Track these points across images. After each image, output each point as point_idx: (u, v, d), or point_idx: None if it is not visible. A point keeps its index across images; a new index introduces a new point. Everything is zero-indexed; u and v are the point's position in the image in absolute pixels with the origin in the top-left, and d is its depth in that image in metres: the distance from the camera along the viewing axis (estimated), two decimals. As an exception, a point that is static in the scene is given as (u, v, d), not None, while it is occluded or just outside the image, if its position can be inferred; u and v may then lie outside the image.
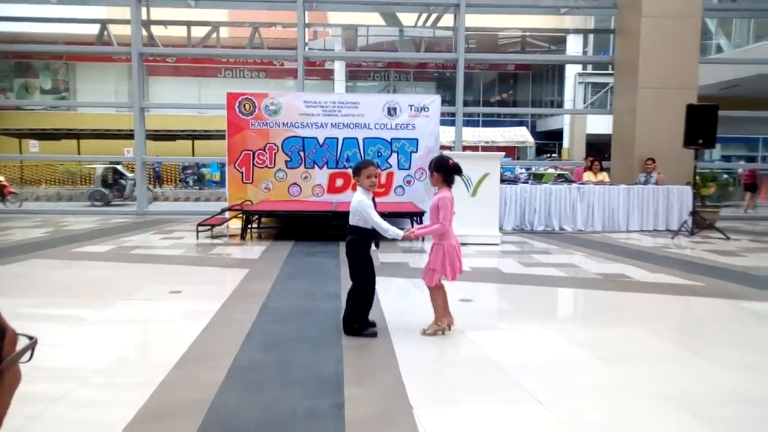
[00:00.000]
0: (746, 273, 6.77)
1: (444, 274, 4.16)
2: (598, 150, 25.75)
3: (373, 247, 4.27)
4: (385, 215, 4.44)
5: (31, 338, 0.87)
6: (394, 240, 4.25)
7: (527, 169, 23.29)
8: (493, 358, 3.76)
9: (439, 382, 3.47)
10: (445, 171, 4.17)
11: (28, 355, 0.86)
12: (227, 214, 9.83)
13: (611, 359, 3.78)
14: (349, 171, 10.55)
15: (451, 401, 3.17)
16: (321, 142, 10.46)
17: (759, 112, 17.17)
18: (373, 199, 4.19)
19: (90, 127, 26.31)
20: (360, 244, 4.18)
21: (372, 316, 4.39)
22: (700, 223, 10.22)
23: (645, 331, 4.47)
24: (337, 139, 10.48)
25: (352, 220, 4.15)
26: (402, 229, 4.22)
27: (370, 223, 4.08)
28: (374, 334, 4.15)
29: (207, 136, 25.86)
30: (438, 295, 4.24)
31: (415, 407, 2.99)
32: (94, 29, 15.21)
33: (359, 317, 4.22)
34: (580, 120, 30.54)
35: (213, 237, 9.33)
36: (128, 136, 22.82)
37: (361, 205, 4.07)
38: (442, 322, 4.22)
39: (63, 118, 28.91)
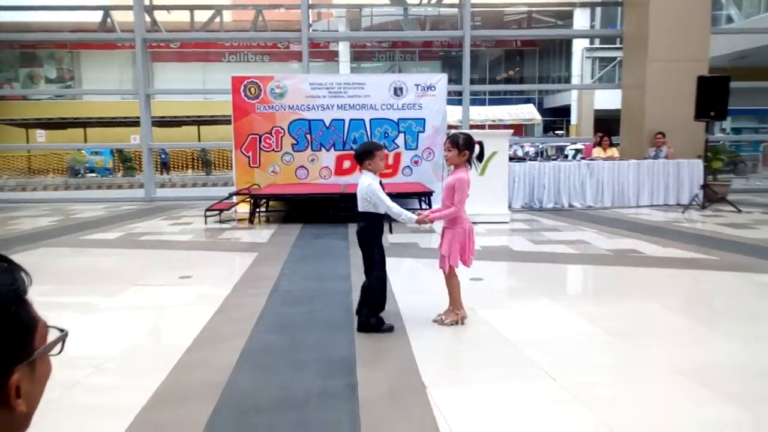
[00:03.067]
0: (759, 246, 6.69)
1: (454, 260, 3.94)
2: (606, 125, 25.51)
3: (386, 232, 4.08)
4: (394, 196, 4.22)
5: (61, 330, 0.87)
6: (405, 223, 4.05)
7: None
8: (505, 336, 3.75)
9: (452, 361, 3.46)
10: (472, 150, 3.93)
11: (58, 347, 0.86)
12: (235, 199, 9.82)
13: (625, 335, 3.76)
14: (357, 152, 10.47)
15: (464, 380, 3.16)
16: (327, 124, 10.38)
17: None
18: (381, 183, 3.93)
19: (96, 116, 26.33)
20: (374, 231, 3.95)
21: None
22: (711, 196, 10.12)
23: (658, 305, 4.44)
24: (343, 120, 10.40)
25: (362, 207, 3.91)
26: (413, 211, 4.02)
27: (382, 208, 3.85)
28: (391, 329, 3.87)
29: (213, 121, 25.82)
30: (452, 282, 4.02)
31: (428, 386, 2.98)
32: (97, 16, 15.15)
33: (376, 311, 3.92)
34: (587, 96, 30.20)
35: (221, 222, 9.33)
36: (134, 123, 22.84)
37: (370, 190, 3.82)
38: (459, 311, 4.00)
39: (69, 107, 28.92)
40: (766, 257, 6.01)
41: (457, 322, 3.98)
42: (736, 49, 18.14)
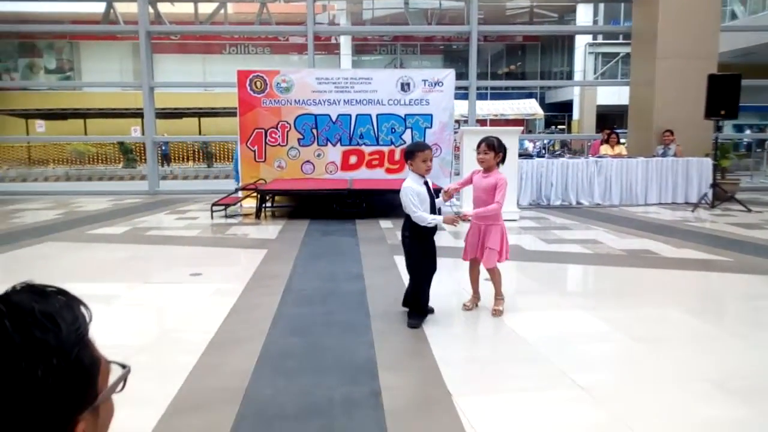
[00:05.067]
0: (774, 247, 6.63)
1: (507, 253, 4.21)
2: (608, 121, 25.41)
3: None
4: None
5: (123, 366, 0.81)
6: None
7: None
8: (527, 341, 3.68)
9: (475, 365, 3.39)
10: (505, 152, 4.18)
11: (120, 384, 0.80)
12: (241, 194, 9.73)
13: (649, 341, 3.68)
14: (363, 147, 10.40)
15: (489, 388, 3.09)
16: (334, 119, 10.29)
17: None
18: (426, 183, 3.97)
19: (96, 107, 26.15)
20: (411, 231, 3.95)
21: (395, 297, 4.30)
22: (720, 195, 10.04)
23: (679, 310, 4.37)
24: (350, 115, 10.30)
25: (404, 208, 3.97)
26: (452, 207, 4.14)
27: (408, 210, 3.89)
28: (417, 325, 3.94)
29: (214, 113, 25.66)
30: (498, 273, 4.24)
31: (453, 394, 2.91)
32: (98, 7, 15.00)
33: (418, 311, 4.00)
34: (590, 91, 30.09)
35: (227, 216, 9.24)
36: (134, 114, 22.71)
37: (403, 192, 3.88)
38: (503, 299, 4.27)
39: (69, 97, 28.72)
40: (781, 259, 5.94)
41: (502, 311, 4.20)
42: (739, 45, 18.05)
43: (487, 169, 4.14)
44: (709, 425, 2.60)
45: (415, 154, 3.92)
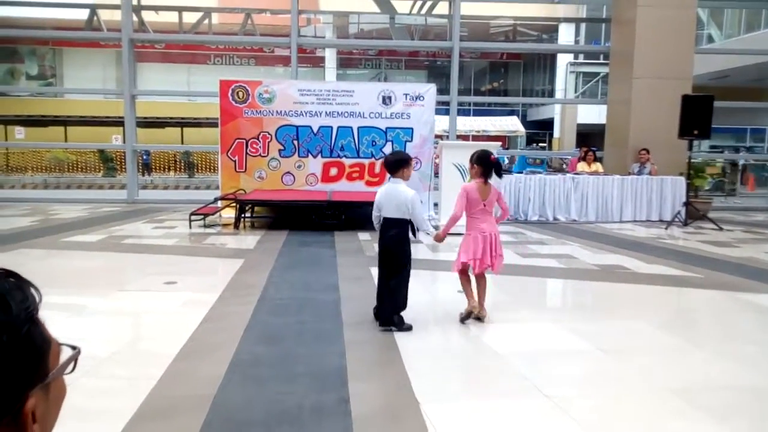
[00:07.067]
0: (742, 264, 6.78)
1: (467, 260, 4.27)
2: (588, 140, 25.77)
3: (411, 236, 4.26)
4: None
5: (74, 348, 0.84)
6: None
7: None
8: (495, 351, 3.74)
9: (444, 375, 3.43)
10: (483, 164, 4.27)
11: (71, 366, 0.82)
12: (220, 204, 9.71)
13: (616, 352, 3.76)
14: (343, 160, 10.45)
15: (456, 395, 3.14)
16: (315, 130, 10.34)
17: (751, 103, 17.27)
18: None
19: (77, 114, 25.93)
20: (406, 237, 4.17)
21: (370, 307, 4.34)
22: (693, 213, 10.24)
23: (646, 323, 4.46)
24: (331, 127, 10.36)
25: (397, 212, 4.10)
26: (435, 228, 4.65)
27: (417, 218, 4.12)
28: (410, 328, 4.08)
29: (197, 123, 25.58)
30: (462, 280, 4.40)
31: (421, 402, 2.95)
32: (81, 14, 14.96)
33: (399, 310, 4.14)
34: (571, 110, 30.51)
35: (206, 226, 9.21)
36: (116, 123, 22.53)
37: (414, 200, 4.09)
38: (470, 302, 4.33)
39: (50, 104, 28.41)
40: (749, 276, 6.08)
41: (470, 314, 4.27)
42: (716, 68, 18.48)
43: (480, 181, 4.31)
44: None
45: (410, 163, 4.21)
